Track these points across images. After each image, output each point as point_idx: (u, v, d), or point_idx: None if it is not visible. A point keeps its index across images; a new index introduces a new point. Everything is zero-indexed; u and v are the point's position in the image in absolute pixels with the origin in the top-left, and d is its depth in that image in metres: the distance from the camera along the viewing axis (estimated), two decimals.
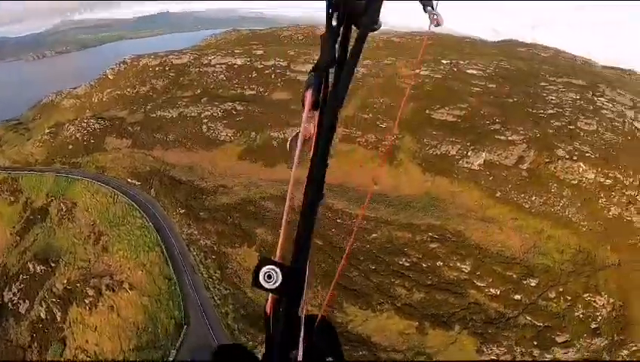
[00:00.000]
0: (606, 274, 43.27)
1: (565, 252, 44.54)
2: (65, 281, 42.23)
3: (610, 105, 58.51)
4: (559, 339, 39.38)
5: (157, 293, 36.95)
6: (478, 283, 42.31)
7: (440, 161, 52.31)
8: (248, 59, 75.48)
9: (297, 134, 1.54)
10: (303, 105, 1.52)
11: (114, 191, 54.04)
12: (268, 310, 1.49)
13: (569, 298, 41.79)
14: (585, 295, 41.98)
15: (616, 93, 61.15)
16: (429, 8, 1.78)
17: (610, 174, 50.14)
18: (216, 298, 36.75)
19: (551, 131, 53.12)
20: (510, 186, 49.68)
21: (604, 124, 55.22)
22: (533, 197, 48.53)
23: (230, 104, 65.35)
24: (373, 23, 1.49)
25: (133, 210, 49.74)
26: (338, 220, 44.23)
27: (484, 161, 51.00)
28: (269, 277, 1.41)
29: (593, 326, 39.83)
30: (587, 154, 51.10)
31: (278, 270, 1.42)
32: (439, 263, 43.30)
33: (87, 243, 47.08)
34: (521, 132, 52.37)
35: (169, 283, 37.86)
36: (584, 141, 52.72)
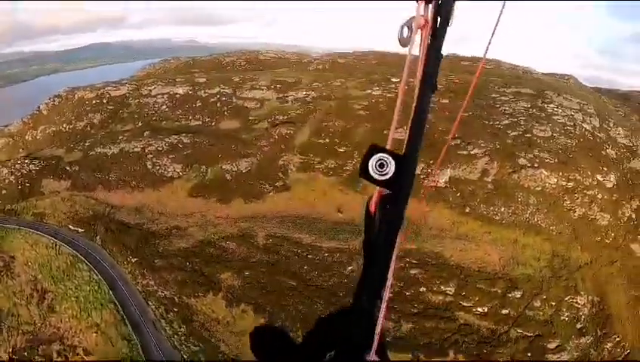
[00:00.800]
0: (582, 273, 58.19)
1: (542, 258, 58.74)
2: (10, 350, 44.53)
3: (560, 110, 78.50)
4: (551, 346, 52.18)
5: (117, 357, 41.43)
6: (465, 304, 53.93)
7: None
8: (191, 87, 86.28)
9: (410, 20, 1.94)
10: None
11: (55, 241, 58.63)
12: (372, 208, 1.86)
13: (553, 303, 55.34)
14: (567, 298, 55.98)
15: (562, 99, 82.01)
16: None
17: (570, 177, 67.54)
18: (185, 356, 42.41)
19: (509, 141, 70.04)
20: (478, 200, 64.07)
21: (558, 130, 74.07)
22: (502, 209, 63.25)
23: (175, 137, 74.01)
24: None
25: (78, 262, 54.43)
26: (309, 255, 53.45)
27: (449, 177, 65.11)
28: (381, 166, 1.80)
29: (579, 326, 54.38)
30: (547, 160, 68.28)
31: (391, 158, 1.82)
32: (422, 289, 54.34)
33: (30, 303, 50.14)
34: (482, 145, 68.29)
35: (129, 345, 42.66)
36: (542, 148, 70.26)
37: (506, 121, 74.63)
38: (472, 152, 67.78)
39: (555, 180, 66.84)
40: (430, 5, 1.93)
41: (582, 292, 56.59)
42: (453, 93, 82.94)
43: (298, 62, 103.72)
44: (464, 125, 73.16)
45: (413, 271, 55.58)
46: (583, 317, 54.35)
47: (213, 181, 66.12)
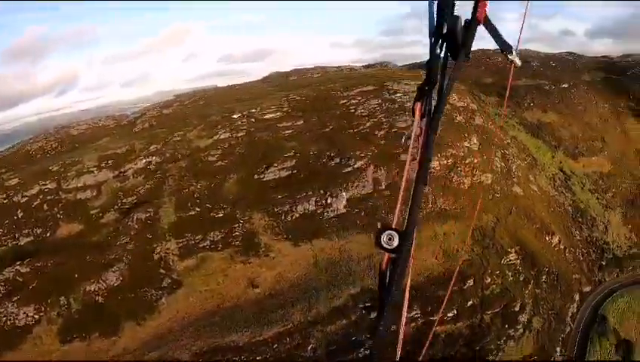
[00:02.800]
0: (498, 233, 62.19)
1: (464, 238, 59.87)
2: None
3: (406, 97, 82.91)
4: (517, 308, 56.93)
5: None
6: (434, 317, 51.47)
7: (306, 223, 60.35)
8: (3, 195, 64.83)
9: (410, 133, 3.16)
10: (414, 113, 3.11)
11: None
12: (384, 266, 2.70)
13: (497, 272, 58.02)
14: (503, 261, 59.08)
15: (403, 85, 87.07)
16: (510, 56, 3.47)
17: (447, 154, 71.09)
18: None
19: (383, 142, 70.58)
20: (383, 211, 62.57)
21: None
22: (408, 210, 62.92)
23: (9, 269, 54.05)
24: (468, 55, 2.93)
25: None
26: (259, 358, 44.93)
27: (347, 199, 62.34)
28: (390, 239, 2.63)
29: (521, 278, 60.26)
30: (416, 145, 70.58)
31: (396, 233, 2.65)
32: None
33: None
34: (361, 155, 67.38)
35: None
36: (409, 137, 72.54)
37: (369, 123, 75.57)
38: (355, 166, 66.27)
39: (437, 162, 69.74)
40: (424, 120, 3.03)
41: (509, 249, 61.95)
42: (302, 111, 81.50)
43: (118, 125, 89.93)
44: (331, 143, 71.57)
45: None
46: (519, 268, 60.25)
47: (83, 312, 51.04)
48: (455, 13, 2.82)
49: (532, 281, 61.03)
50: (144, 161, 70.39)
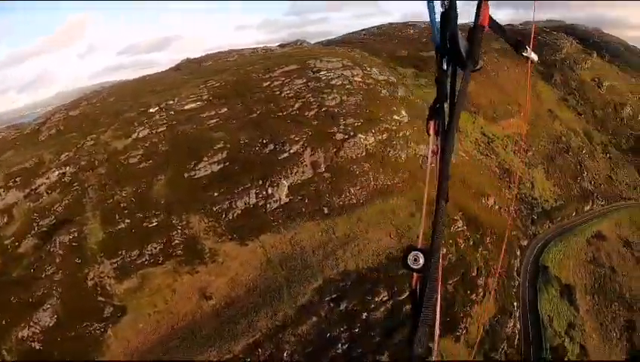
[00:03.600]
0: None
1: (414, 211, 60.27)
2: None
3: (331, 74, 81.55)
4: (474, 273, 59.36)
5: None
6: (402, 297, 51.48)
7: (249, 219, 56.85)
8: None
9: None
10: (428, 132, 3.10)
11: None
12: (414, 285, 2.74)
13: (450, 241, 59.18)
14: (453, 229, 60.80)
15: (326, 62, 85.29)
16: (524, 53, 3.56)
17: (380, 129, 70.88)
18: None
19: (315, 122, 68.49)
20: (328, 195, 60.87)
21: (342, 92, 76.59)
22: (351, 190, 61.96)
23: None
24: (474, 64, 2.87)
25: None
26: None
27: (288, 187, 59.67)
28: (416, 259, 2.63)
29: (471, 243, 63.34)
30: (356, 125, 69.77)
31: (421, 254, 2.63)
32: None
33: None
34: (295, 139, 64.70)
35: None
36: (343, 115, 71.29)
37: (298, 104, 73.00)
38: (291, 151, 63.56)
39: (372, 138, 69.30)
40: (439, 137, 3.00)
41: (455, 217, 63.88)
42: (225, 98, 76.79)
43: (21, 135, 77.97)
44: (262, 129, 68.09)
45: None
46: (467, 233, 62.51)
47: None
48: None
49: (480, 244, 63.46)
50: (57, 173, 61.87)
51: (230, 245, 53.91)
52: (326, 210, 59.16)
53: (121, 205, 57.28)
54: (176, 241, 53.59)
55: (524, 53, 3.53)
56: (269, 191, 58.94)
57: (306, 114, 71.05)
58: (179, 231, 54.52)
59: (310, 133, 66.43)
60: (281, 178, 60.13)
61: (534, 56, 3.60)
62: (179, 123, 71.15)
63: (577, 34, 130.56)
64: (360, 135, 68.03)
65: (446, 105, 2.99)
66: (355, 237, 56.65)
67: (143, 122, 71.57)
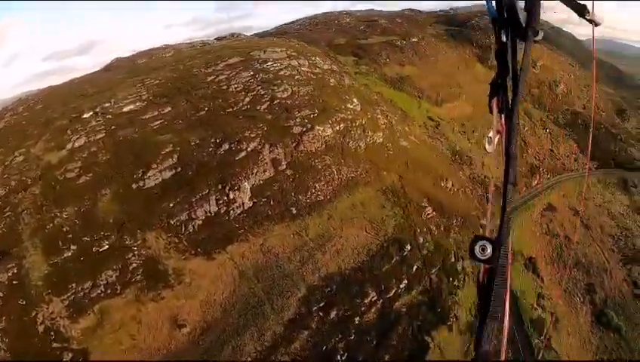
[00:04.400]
0: (409, 191, 61.92)
1: (383, 202, 56.49)
2: None
3: (278, 64, 75.30)
4: (458, 266, 56.94)
5: None
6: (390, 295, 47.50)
7: (212, 229, 50.19)
8: None
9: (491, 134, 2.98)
10: (491, 110, 2.89)
11: None
12: (481, 278, 2.50)
13: (425, 228, 56.28)
14: (424, 216, 58.26)
15: (270, 53, 78.86)
16: (587, 16, 3.07)
17: (337, 119, 66.16)
18: None
19: (269, 117, 62.43)
20: (293, 193, 55.40)
21: (292, 82, 70.88)
22: (317, 186, 56.96)
23: None
24: (535, 34, 2.56)
25: None
26: None
27: (251, 189, 53.51)
28: (483, 250, 2.42)
29: (442, 228, 60.71)
30: (312, 116, 64.40)
31: (489, 243, 2.43)
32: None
33: None
34: (251, 135, 58.31)
35: None
36: (297, 106, 65.67)
37: (248, 98, 66.26)
38: (249, 149, 57.09)
39: (330, 130, 64.38)
40: (503, 115, 2.83)
41: (423, 204, 61.80)
42: (167, 97, 68.49)
43: None
44: (213, 128, 60.92)
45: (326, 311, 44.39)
46: (437, 219, 61.37)
47: None
48: None
49: (450, 229, 61.04)
50: None
51: (196, 261, 46.78)
52: (294, 210, 53.58)
53: (64, 229, 48.17)
54: (134, 265, 45.54)
55: (587, 17, 3.09)
56: (231, 195, 52.22)
57: (258, 108, 64.53)
58: (135, 252, 46.49)
59: (266, 129, 60.11)
60: (241, 180, 53.52)
61: (600, 17, 3.09)
62: (119, 127, 62.13)
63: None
64: (317, 127, 62.72)
65: (508, 81, 2.77)
66: (330, 236, 51.73)
67: (77, 130, 61.78)
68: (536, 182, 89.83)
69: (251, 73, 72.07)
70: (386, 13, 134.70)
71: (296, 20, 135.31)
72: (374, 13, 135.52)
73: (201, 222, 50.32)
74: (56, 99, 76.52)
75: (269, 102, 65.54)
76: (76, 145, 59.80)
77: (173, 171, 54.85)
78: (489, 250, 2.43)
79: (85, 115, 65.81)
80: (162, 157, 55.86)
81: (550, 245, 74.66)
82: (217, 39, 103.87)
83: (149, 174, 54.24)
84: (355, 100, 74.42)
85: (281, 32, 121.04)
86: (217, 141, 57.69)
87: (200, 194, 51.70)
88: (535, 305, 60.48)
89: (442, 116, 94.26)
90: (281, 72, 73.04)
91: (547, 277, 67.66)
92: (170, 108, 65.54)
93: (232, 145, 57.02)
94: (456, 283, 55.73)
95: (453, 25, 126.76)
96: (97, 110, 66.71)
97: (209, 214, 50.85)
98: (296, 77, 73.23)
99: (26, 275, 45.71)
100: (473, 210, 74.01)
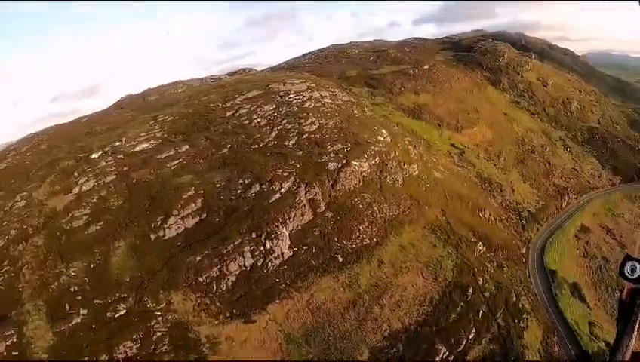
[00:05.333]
0: (455, 225, 53.19)
1: (433, 240, 47.78)
2: None
3: (300, 96, 67.51)
4: (519, 304, 48.43)
5: None
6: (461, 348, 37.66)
7: (249, 286, 40.74)
8: None
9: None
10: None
11: None
12: (624, 296, 2.61)
13: (481, 268, 46.76)
14: (477, 253, 50.98)
15: (289, 85, 71.13)
16: None
17: (371, 153, 57.85)
18: None
19: (300, 153, 53.98)
20: (336, 238, 46.40)
21: (318, 115, 62.75)
22: (360, 228, 48.11)
23: None
24: None
25: None
26: None
27: (290, 234, 44.44)
28: (633, 270, 2.55)
29: (495, 263, 52.50)
30: (346, 150, 56.02)
31: (638, 264, 2.54)
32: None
33: None
34: (283, 174, 49.66)
35: None
36: (325, 141, 57.34)
37: (274, 134, 57.88)
38: (282, 190, 48.18)
39: (366, 164, 55.90)
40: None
41: (473, 239, 54.35)
42: (183, 134, 59.87)
43: None
44: (240, 167, 52.31)
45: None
46: (488, 255, 53.12)
47: None
48: None
49: (502, 264, 53.10)
50: None
51: (233, 326, 37.13)
52: (340, 258, 44.40)
53: (72, 289, 38.65)
54: (159, 333, 35.79)
55: None
56: (267, 245, 42.97)
57: (286, 143, 56.05)
58: (159, 318, 36.84)
59: (298, 166, 51.43)
60: (278, 226, 44.44)
61: None
62: (131, 168, 53.26)
63: (506, 40, 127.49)
64: (353, 162, 54.19)
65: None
66: (386, 286, 42.53)
67: (85, 171, 52.81)
68: (565, 203, 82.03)
69: (274, 106, 63.94)
70: (393, 43, 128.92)
71: (306, 54, 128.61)
72: (382, 43, 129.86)
73: (235, 278, 40.88)
74: (63, 137, 67.61)
75: (297, 137, 57.12)
76: (84, 188, 50.73)
77: (198, 218, 45.69)
78: (638, 271, 2.52)
79: (94, 155, 56.95)
80: (184, 202, 46.80)
81: (589, 268, 67.13)
82: (229, 74, 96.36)
83: (169, 222, 45.03)
84: (384, 131, 66.31)
85: (291, 67, 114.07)
86: (246, 182, 48.78)
87: (232, 244, 42.41)
88: (589, 335, 51.75)
89: (465, 143, 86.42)
90: (305, 105, 64.99)
91: (592, 303, 59.36)
92: (188, 147, 56.89)
93: (264, 186, 48.09)
94: (522, 324, 46.59)
95: (459, 50, 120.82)
96: (107, 149, 57.98)
97: (244, 268, 41.47)
98: (321, 109, 65.21)
99: (27, 345, 36.10)
100: (512, 239, 65.54)
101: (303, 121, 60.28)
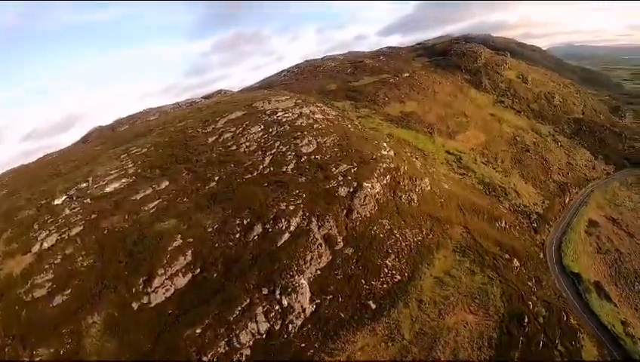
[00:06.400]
0: (484, 242, 42.51)
1: (469, 265, 38.08)
2: None
3: (290, 114, 57.48)
4: (570, 322, 34.15)
5: None
6: None
7: (274, 354, 30.07)
8: None
9: None
10: None
11: None
12: None
13: (523, 293, 36.52)
14: (515, 271, 38.48)
15: (275, 102, 61.35)
16: None
17: (381, 170, 48.37)
18: None
19: (303, 179, 43.93)
20: (363, 280, 36.36)
21: (313, 133, 53.05)
22: (387, 263, 38.30)
23: None
24: None
25: None
26: None
27: (309, 282, 34.05)
28: None
29: (534, 279, 44.45)
30: (353, 170, 46.40)
31: None
32: None
33: None
34: (289, 207, 39.40)
35: None
36: (328, 162, 47.59)
37: (267, 159, 47.54)
38: (292, 228, 37.79)
39: (378, 185, 46.36)
40: None
41: (506, 256, 45.52)
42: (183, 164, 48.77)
43: None
44: (234, 204, 41.71)
45: None
46: (523, 271, 44.79)
47: None
48: None
49: (537, 278, 45.04)
50: None
51: None
52: (372, 304, 34.33)
53: None
54: None
55: None
56: (284, 301, 32.41)
57: (284, 169, 45.81)
58: None
59: (304, 196, 41.30)
60: (293, 275, 34.09)
61: None
62: (101, 215, 41.72)
63: (475, 41, 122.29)
64: (365, 183, 44.59)
65: None
66: (434, 332, 32.75)
67: (46, 223, 41.00)
68: (568, 199, 75.29)
69: (262, 127, 53.69)
70: (367, 54, 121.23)
71: (281, 72, 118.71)
72: (356, 55, 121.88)
73: (249, 351, 30.04)
74: (24, 181, 54.91)
75: (295, 160, 47.05)
76: (45, 245, 38.91)
77: (190, 275, 34.72)
78: None
79: (57, 201, 45.11)
80: (170, 256, 35.79)
81: (606, 263, 60.30)
82: (205, 97, 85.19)
83: (154, 284, 33.88)
84: (385, 145, 57.36)
85: (268, 85, 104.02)
86: (245, 222, 38.16)
87: (239, 307, 31.65)
88: (626, 336, 44.05)
89: (459, 148, 78.54)
90: (298, 123, 55.10)
91: (616, 300, 52.16)
92: (167, 183, 45.72)
93: (268, 226, 37.58)
94: (577, 344, 37.84)
95: (434, 55, 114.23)
96: (72, 193, 46.36)
97: (259, 336, 30.73)
98: (315, 126, 55.46)
99: None
100: (530, 246, 57.29)
101: (298, 141, 50.32)
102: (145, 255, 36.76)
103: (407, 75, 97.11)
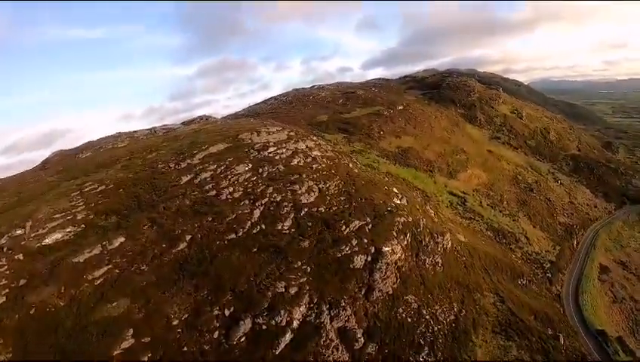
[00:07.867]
0: (514, 305, 29.96)
1: (503, 342, 26.12)
2: None
3: (283, 150, 45.09)
4: None
5: None
6: None
7: None
8: None
9: None
10: None
11: None
12: None
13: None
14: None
15: (264, 134, 49.01)
16: None
17: (399, 227, 36.25)
18: None
19: (306, 243, 31.22)
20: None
21: (312, 175, 40.64)
22: (426, 353, 25.64)
23: None
24: None
25: None
26: None
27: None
28: None
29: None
30: (356, 228, 34.00)
31: None
32: None
33: None
34: (289, 291, 26.51)
35: None
36: (334, 217, 35.24)
37: (257, 213, 34.61)
38: (295, 324, 24.78)
39: (399, 247, 34.07)
40: None
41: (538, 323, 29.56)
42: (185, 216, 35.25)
43: None
44: (217, 281, 28.54)
45: None
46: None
47: None
48: None
49: (580, 348, 35.01)
50: None
51: None
52: None
53: None
54: None
55: None
56: None
57: (280, 227, 32.99)
58: None
59: (309, 269, 28.65)
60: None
61: None
62: (32, 283, 27.93)
63: (461, 75, 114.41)
64: (385, 248, 32.32)
65: None
66: None
67: None
68: (575, 243, 65.83)
69: (250, 166, 40.90)
70: (358, 85, 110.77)
71: (267, 100, 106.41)
72: (347, 85, 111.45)
73: None
74: None
75: (293, 214, 34.35)
76: None
77: None
78: None
79: None
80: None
81: (622, 313, 53.63)
82: (185, 123, 71.34)
83: None
84: (395, 190, 45.67)
85: (253, 113, 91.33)
86: (227, 312, 25.01)
87: None
88: None
89: (462, 189, 67.84)
90: (293, 162, 42.71)
91: (637, 353, 42.45)
92: (123, 239, 32.11)
93: (260, 321, 24.50)
94: None
95: (426, 88, 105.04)
96: (3, 241, 32.46)
97: None
98: (314, 166, 43.23)
99: None
100: (552, 303, 46.64)
101: (296, 186, 37.76)
102: (80, 358, 23.10)
103: (402, 107, 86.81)
